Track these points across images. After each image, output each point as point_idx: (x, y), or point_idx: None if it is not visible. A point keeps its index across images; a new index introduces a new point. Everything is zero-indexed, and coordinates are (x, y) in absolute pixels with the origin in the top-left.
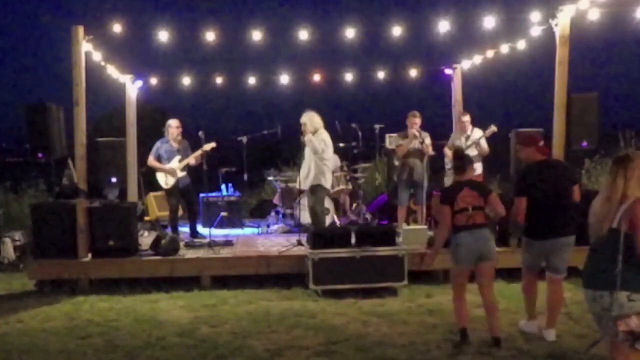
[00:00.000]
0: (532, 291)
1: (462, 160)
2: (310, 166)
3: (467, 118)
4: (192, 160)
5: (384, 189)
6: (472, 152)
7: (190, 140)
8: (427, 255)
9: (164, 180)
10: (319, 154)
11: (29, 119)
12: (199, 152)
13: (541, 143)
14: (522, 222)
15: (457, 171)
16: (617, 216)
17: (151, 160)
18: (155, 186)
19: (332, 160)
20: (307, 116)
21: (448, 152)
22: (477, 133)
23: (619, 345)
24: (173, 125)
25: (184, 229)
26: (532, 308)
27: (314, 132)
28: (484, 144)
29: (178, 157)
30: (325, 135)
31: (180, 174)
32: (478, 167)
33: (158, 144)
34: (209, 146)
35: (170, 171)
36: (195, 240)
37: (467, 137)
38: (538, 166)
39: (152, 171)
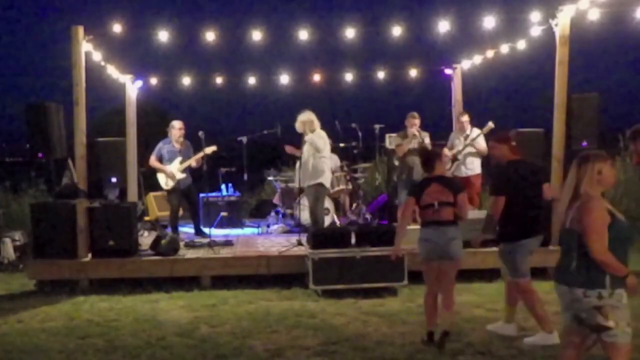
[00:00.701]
0: (537, 296)
1: (428, 157)
2: (310, 165)
3: (465, 118)
4: (193, 162)
5: (384, 189)
6: (470, 151)
7: (191, 141)
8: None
9: (164, 182)
10: (321, 152)
11: (29, 119)
12: (200, 155)
13: (513, 143)
14: (497, 222)
15: (426, 168)
16: (569, 216)
17: (152, 161)
18: (155, 186)
19: (332, 160)
20: (305, 116)
21: (447, 153)
22: (476, 133)
23: (581, 344)
24: (176, 127)
25: (184, 229)
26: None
27: (312, 132)
28: (481, 142)
29: (179, 159)
30: (324, 134)
31: (180, 175)
32: (477, 166)
33: (160, 144)
34: (210, 149)
35: (170, 175)
36: (196, 240)
37: (466, 137)
38: (515, 165)
39: (152, 171)
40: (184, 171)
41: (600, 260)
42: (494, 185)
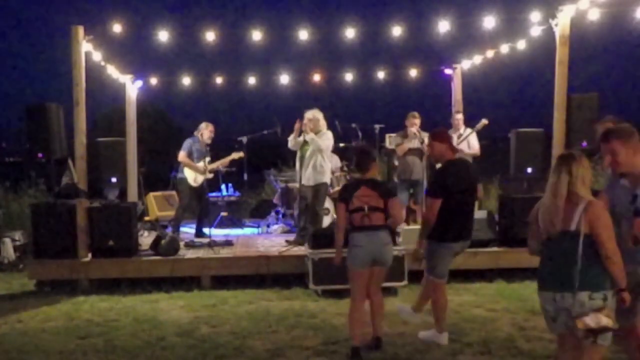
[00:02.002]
0: (446, 300)
1: (364, 156)
2: (311, 165)
3: (459, 116)
4: (220, 165)
5: None
6: (463, 150)
7: None
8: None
9: (193, 178)
10: (324, 153)
11: (29, 119)
12: (228, 159)
13: (452, 141)
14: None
15: (358, 168)
16: (575, 217)
17: (183, 156)
18: (155, 186)
19: (332, 160)
20: (312, 113)
21: None
22: (470, 132)
23: (580, 343)
24: (209, 128)
25: (184, 229)
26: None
27: (316, 133)
28: (474, 142)
29: (208, 159)
30: (330, 135)
31: (209, 175)
32: None
33: (190, 141)
34: (237, 155)
35: (201, 171)
36: (196, 240)
37: (460, 136)
38: (455, 166)
39: (152, 171)
40: (212, 172)
41: (616, 260)
42: (432, 187)
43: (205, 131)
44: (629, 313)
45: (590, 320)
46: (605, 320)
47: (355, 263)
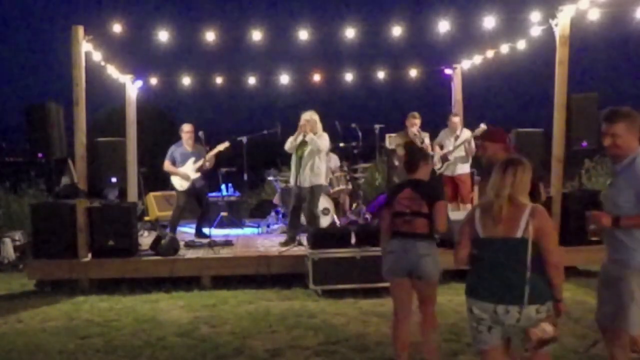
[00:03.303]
0: None
1: (414, 155)
2: (310, 166)
3: (457, 119)
4: (207, 163)
5: (384, 189)
6: (460, 152)
7: None
8: None
9: (179, 183)
10: (322, 154)
11: (29, 119)
12: (213, 152)
13: (508, 140)
14: None
15: (407, 167)
16: (522, 224)
17: (167, 165)
18: (155, 186)
19: (332, 160)
20: (309, 115)
21: (437, 150)
22: (466, 133)
23: (515, 353)
24: (184, 130)
25: (184, 229)
26: None
27: (315, 133)
28: (472, 144)
29: (192, 159)
30: (326, 136)
31: (195, 175)
32: (466, 167)
33: (173, 147)
34: (222, 146)
35: (184, 176)
36: (196, 240)
37: (457, 138)
38: None
39: (152, 171)
40: (197, 171)
41: (562, 270)
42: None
43: (182, 133)
44: (613, 316)
45: (540, 331)
46: (551, 329)
47: (384, 270)
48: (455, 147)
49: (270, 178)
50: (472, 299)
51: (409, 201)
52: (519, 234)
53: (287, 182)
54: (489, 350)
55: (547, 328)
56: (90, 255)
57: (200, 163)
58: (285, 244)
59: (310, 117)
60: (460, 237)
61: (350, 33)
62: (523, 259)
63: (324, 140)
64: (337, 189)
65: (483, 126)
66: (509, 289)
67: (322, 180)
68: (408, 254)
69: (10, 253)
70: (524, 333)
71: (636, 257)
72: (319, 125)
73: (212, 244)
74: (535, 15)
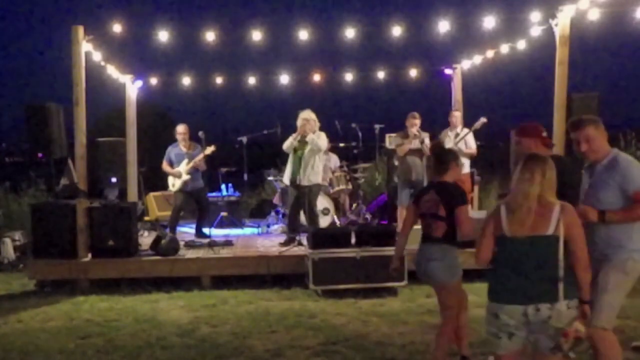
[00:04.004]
0: None
1: (445, 155)
2: (310, 165)
3: (457, 114)
4: (197, 164)
5: (384, 189)
6: (460, 150)
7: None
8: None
9: (172, 182)
10: (321, 153)
11: (29, 119)
12: (200, 157)
13: (544, 134)
14: None
15: (436, 168)
16: (553, 221)
17: (164, 165)
18: (155, 186)
19: (332, 160)
20: (308, 114)
21: None
22: (467, 131)
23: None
24: (178, 131)
25: (184, 229)
26: None
27: (313, 132)
28: (471, 142)
29: (186, 160)
30: (324, 135)
31: (185, 176)
32: (466, 166)
33: (169, 148)
34: (209, 150)
35: (177, 174)
36: (196, 240)
37: (457, 135)
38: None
39: (152, 171)
40: (189, 172)
41: (589, 269)
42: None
43: (176, 134)
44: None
45: (575, 331)
46: (583, 328)
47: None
48: (456, 144)
49: (270, 178)
50: (499, 303)
51: (429, 203)
52: (550, 231)
53: None
54: (506, 356)
55: (580, 327)
56: (90, 255)
57: (191, 164)
58: (285, 244)
59: (308, 116)
60: (484, 235)
61: (350, 33)
62: (555, 256)
63: (322, 140)
64: (337, 189)
65: (483, 119)
66: (539, 287)
67: (320, 180)
68: (422, 256)
69: (10, 253)
70: (555, 331)
71: (618, 254)
72: (317, 125)
73: (212, 244)
74: (535, 15)
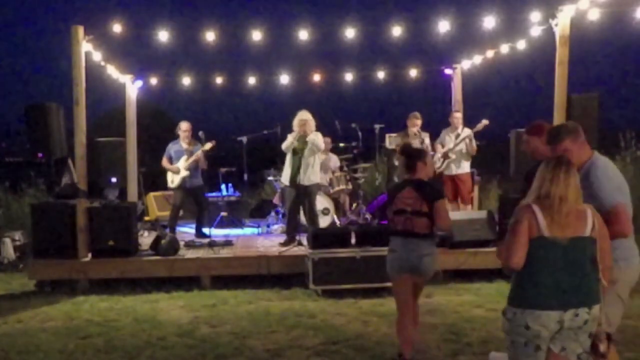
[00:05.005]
0: None
1: (410, 156)
2: (310, 165)
3: (458, 115)
4: (195, 162)
5: (384, 189)
6: (461, 150)
7: None
8: None
9: (170, 179)
10: (319, 152)
11: (29, 119)
12: (199, 153)
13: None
14: None
15: (406, 169)
16: (589, 223)
17: (164, 161)
18: (155, 186)
19: (331, 160)
20: (306, 115)
21: (439, 149)
22: (467, 131)
23: None
24: (181, 128)
25: (184, 229)
26: None
27: (311, 132)
28: (473, 142)
29: (185, 157)
30: (320, 135)
31: (184, 173)
32: (466, 165)
33: (170, 144)
34: (208, 146)
35: (175, 170)
36: (196, 240)
37: (458, 135)
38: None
39: (152, 171)
40: (188, 169)
41: (613, 265)
42: (523, 192)
43: (179, 132)
44: None
45: (605, 339)
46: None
47: (388, 268)
48: (456, 145)
49: (270, 178)
50: (532, 309)
51: (410, 200)
52: (587, 232)
53: None
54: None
55: (605, 326)
56: (90, 255)
57: (190, 160)
58: (285, 244)
59: (307, 116)
60: (517, 238)
61: (350, 33)
62: (593, 258)
63: (320, 140)
64: (337, 189)
65: (485, 121)
66: (580, 290)
67: (318, 179)
68: (411, 253)
69: (10, 253)
70: (586, 336)
71: None
72: (314, 124)
73: (212, 244)
74: (535, 15)
